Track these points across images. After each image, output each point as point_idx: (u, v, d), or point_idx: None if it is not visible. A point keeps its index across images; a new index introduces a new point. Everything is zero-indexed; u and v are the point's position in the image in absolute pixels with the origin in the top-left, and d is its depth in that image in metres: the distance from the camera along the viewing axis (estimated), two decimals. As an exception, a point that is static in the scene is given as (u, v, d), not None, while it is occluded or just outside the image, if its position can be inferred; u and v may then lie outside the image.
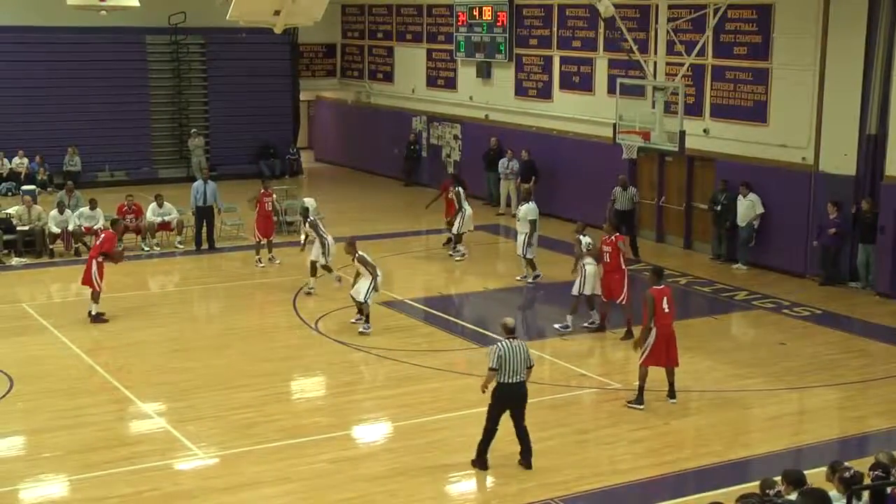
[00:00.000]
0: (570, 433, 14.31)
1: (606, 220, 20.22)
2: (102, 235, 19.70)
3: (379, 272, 18.46)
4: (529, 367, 13.03)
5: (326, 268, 20.93)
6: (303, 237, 21.89)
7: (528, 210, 21.50)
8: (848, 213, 21.36)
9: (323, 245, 20.69)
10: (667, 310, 15.04)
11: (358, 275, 18.69)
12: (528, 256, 21.59)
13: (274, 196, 24.48)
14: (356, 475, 12.92)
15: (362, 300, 18.35)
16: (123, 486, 12.52)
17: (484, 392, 12.99)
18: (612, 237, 18.57)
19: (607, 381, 16.24)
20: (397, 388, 15.97)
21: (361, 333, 18.33)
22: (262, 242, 23.26)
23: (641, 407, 14.95)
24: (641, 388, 15.09)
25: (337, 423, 14.54)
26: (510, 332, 13.03)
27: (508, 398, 12.90)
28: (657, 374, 15.23)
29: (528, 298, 21.40)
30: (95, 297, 19.08)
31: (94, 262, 19.07)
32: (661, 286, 15.30)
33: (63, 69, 32.13)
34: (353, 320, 18.72)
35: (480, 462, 13.00)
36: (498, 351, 12.77)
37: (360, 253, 18.59)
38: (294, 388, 16.66)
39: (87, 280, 19.13)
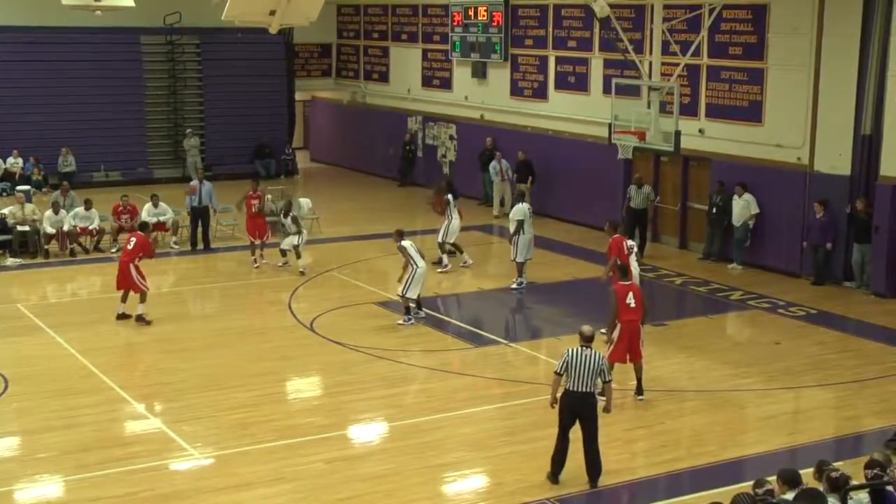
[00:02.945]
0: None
1: (607, 221, 19.75)
2: (134, 240, 19.31)
3: (419, 264, 18.67)
4: (606, 381, 12.71)
5: (297, 253, 22.22)
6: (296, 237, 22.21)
7: (515, 211, 21.44)
8: (835, 212, 21.40)
9: (299, 235, 22.44)
10: (632, 305, 15.13)
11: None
12: (516, 259, 21.41)
13: (269, 197, 24.47)
14: (351, 475, 12.92)
15: (400, 293, 18.66)
16: (118, 487, 12.51)
17: (553, 407, 12.66)
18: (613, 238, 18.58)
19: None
20: (392, 389, 15.97)
21: (399, 325, 18.81)
22: (255, 244, 23.26)
23: (641, 398, 15.19)
24: (639, 380, 15.30)
25: (332, 424, 14.53)
26: (587, 341, 12.64)
27: (573, 407, 12.51)
28: (653, 372, 15.26)
29: (521, 299, 21.37)
30: (143, 297, 19.11)
31: (130, 266, 18.96)
32: (628, 282, 15.52)
33: (58, 69, 32.10)
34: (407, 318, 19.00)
35: (552, 476, 12.65)
36: (566, 357, 12.51)
37: (401, 243, 18.83)
38: (289, 389, 16.65)
39: (126, 284, 19.06)
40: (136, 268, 19.03)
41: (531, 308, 21.06)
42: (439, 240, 22.94)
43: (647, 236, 24.45)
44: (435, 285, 21.77)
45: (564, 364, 12.46)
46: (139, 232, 19.92)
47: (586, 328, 12.77)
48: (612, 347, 15.10)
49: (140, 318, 18.94)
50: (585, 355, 12.48)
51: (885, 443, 12.24)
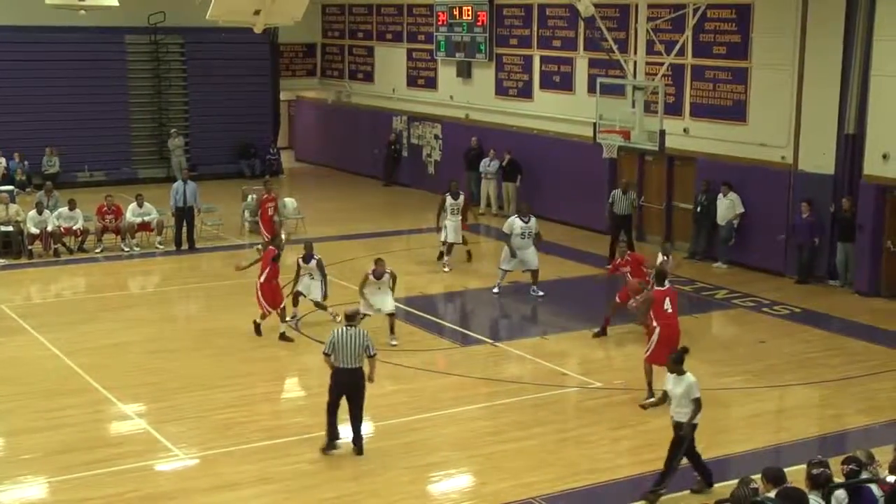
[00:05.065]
0: (550, 432, 14.33)
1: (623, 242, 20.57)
2: (261, 264, 18.13)
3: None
4: (371, 356, 13.45)
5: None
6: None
7: (506, 224, 21.27)
8: (821, 211, 21.48)
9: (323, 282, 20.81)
10: (669, 310, 15.21)
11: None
12: (500, 266, 21.28)
13: (252, 197, 24.47)
14: (337, 475, 12.92)
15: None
16: (103, 488, 12.48)
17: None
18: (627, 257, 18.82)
19: (588, 381, 16.27)
20: (378, 388, 15.88)
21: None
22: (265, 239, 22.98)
23: (653, 400, 15.06)
24: (650, 384, 15.20)
25: (317, 424, 14.45)
26: (349, 320, 13.44)
27: (342, 383, 13.35)
28: (639, 371, 15.29)
29: (507, 299, 21.39)
30: (283, 314, 18.16)
31: (266, 286, 17.97)
32: (665, 287, 15.44)
33: (41, 69, 31.95)
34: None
35: (328, 447, 13.46)
36: (332, 338, 13.22)
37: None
38: (274, 389, 16.64)
39: (274, 302, 18.04)
40: (263, 286, 17.96)
41: (517, 307, 21.06)
42: (455, 240, 22.81)
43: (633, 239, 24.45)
44: (424, 285, 21.80)
45: (331, 345, 13.27)
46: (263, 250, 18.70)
47: (349, 309, 13.82)
48: (651, 350, 15.14)
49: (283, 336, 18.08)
50: (350, 335, 13.23)
51: None
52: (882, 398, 15.60)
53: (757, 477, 9.76)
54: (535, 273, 21.01)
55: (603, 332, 18.23)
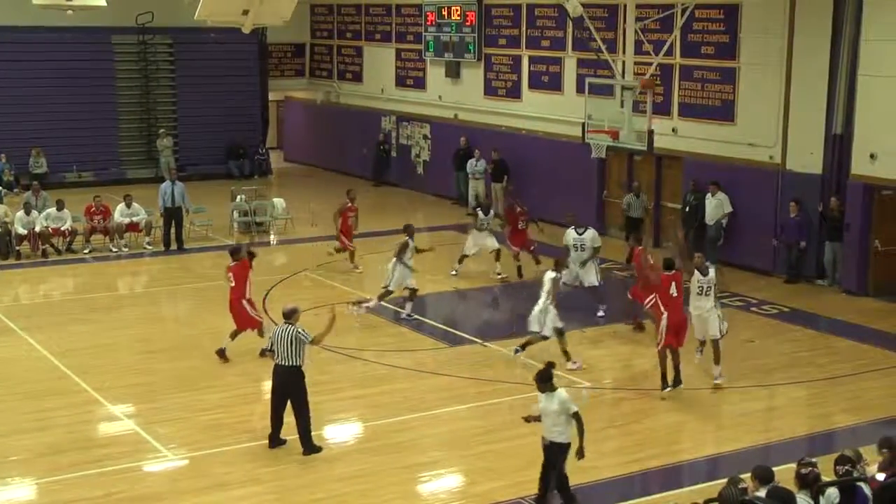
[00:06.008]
0: (539, 432, 14.25)
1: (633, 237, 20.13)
2: (231, 273, 16.99)
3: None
4: (311, 342, 13.50)
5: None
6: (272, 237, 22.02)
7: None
8: (809, 210, 21.55)
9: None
10: (675, 294, 15.39)
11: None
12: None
13: (241, 197, 24.40)
14: (326, 475, 12.91)
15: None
16: (92, 489, 12.46)
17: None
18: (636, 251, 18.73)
19: (576, 380, 16.27)
20: (367, 388, 15.96)
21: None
22: (352, 249, 22.67)
23: (670, 389, 15.24)
24: (664, 374, 15.35)
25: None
26: (286, 317, 13.40)
27: (280, 379, 13.40)
28: (627, 371, 15.32)
29: (495, 298, 21.40)
30: (261, 331, 17.24)
31: (242, 302, 16.95)
32: (672, 272, 15.59)
33: (29, 69, 31.86)
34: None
35: (272, 442, 13.54)
36: (272, 336, 13.39)
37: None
38: (263, 389, 16.50)
39: (247, 322, 17.13)
40: (249, 301, 17.05)
41: (506, 307, 21.07)
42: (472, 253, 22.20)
43: (619, 235, 24.53)
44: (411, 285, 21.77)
45: (271, 342, 13.49)
46: (233, 263, 17.13)
47: (286, 306, 13.66)
48: (662, 339, 15.30)
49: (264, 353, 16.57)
50: (286, 331, 13.25)
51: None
52: (869, 397, 15.66)
53: (746, 476, 9.78)
54: (593, 291, 19.57)
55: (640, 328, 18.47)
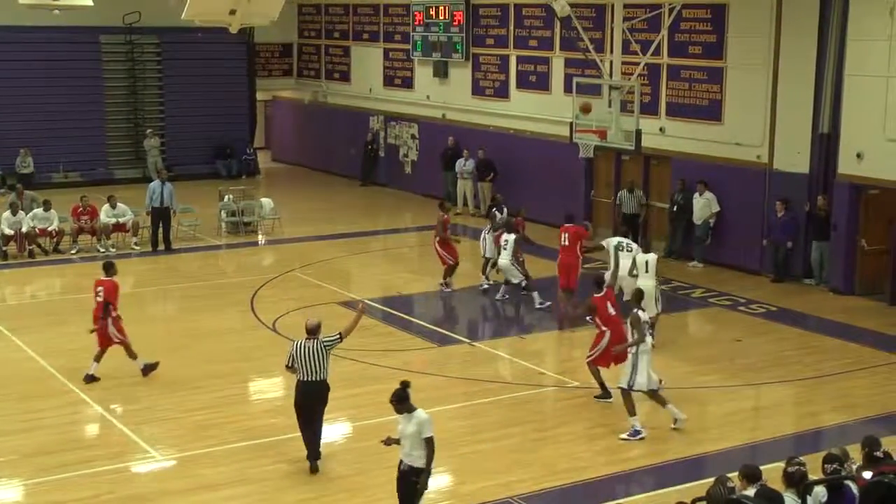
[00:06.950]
0: (528, 431, 14.35)
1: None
2: (101, 288, 16.22)
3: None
4: (339, 338, 13.16)
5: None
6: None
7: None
8: (796, 210, 21.61)
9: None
10: (613, 313, 15.16)
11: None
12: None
13: (229, 197, 24.31)
14: (314, 476, 12.90)
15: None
16: (80, 490, 12.43)
17: None
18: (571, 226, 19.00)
19: (565, 380, 16.31)
20: (355, 388, 15.93)
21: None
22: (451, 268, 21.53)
23: (611, 400, 15.09)
24: (601, 383, 15.23)
25: (295, 424, 14.41)
26: (310, 333, 12.86)
27: (306, 395, 13.03)
28: (615, 370, 15.33)
29: (486, 298, 21.40)
30: (131, 353, 16.29)
31: (108, 319, 16.06)
32: (602, 293, 15.30)
33: (15, 69, 31.75)
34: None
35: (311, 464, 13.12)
36: (291, 350, 12.85)
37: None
38: (252, 390, 16.60)
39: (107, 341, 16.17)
40: (115, 320, 16.15)
41: (494, 307, 21.07)
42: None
43: (606, 234, 24.39)
44: (402, 285, 21.79)
45: (291, 358, 12.89)
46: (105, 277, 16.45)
47: (309, 322, 13.05)
48: (596, 355, 15.11)
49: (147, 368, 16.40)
50: (308, 347, 12.80)
51: None
52: (857, 395, 15.71)
53: (733, 475, 9.80)
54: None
55: None
